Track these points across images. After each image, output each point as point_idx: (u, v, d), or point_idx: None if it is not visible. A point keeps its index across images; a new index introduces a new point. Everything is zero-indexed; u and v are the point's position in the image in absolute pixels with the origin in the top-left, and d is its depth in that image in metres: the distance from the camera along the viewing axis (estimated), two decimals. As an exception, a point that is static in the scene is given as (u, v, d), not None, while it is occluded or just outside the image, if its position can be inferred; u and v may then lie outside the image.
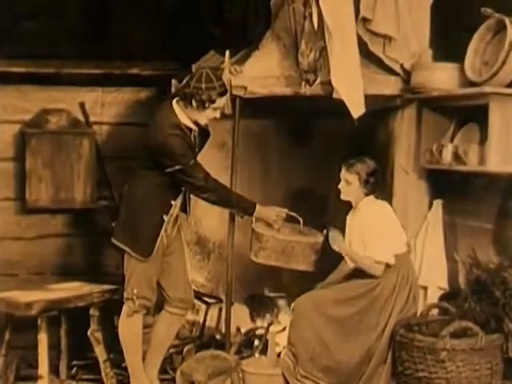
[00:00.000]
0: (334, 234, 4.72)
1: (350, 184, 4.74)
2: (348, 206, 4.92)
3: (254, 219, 4.75)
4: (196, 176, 4.52)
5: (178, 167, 4.48)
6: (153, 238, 4.61)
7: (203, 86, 4.44)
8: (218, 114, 4.56)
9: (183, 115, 4.54)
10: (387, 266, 4.63)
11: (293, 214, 4.80)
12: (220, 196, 4.62)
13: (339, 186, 4.79)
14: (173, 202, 4.65)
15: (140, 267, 4.63)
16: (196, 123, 4.59)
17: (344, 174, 4.76)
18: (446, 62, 4.94)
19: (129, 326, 4.71)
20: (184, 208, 4.78)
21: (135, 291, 4.64)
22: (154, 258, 4.63)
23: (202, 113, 4.51)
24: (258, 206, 4.69)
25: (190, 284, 4.90)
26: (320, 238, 4.77)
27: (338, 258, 4.87)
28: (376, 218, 4.68)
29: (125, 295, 4.69)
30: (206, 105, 4.46)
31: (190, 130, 4.58)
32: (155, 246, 4.61)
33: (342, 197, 4.80)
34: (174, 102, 4.57)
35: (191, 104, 4.48)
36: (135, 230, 4.62)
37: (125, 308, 4.70)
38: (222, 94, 4.50)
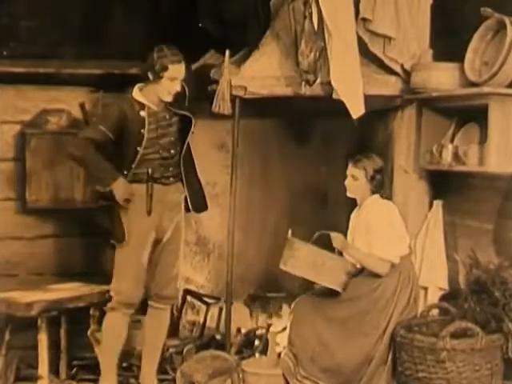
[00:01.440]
0: (335, 234, 4.66)
1: (356, 180, 4.71)
2: (349, 206, 4.92)
3: (290, 231, 4.60)
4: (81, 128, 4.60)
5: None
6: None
7: (155, 55, 4.55)
8: (177, 87, 4.59)
9: (137, 93, 4.63)
10: (391, 266, 4.62)
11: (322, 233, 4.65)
12: (82, 158, 4.61)
13: (345, 183, 4.77)
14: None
15: (120, 256, 4.62)
16: (164, 103, 4.64)
17: (351, 169, 4.74)
18: (446, 62, 4.94)
19: (106, 324, 4.68)
20: (187, 208, 4.78)
21: (112, 286, 4.63)
22: (134, 246, 4.58)
23: (160, 86, 4.58)
24: (118, 182, 4.55)
25: (175, 281, 4.83)
26: (350, 264, 4.61)
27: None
28: (382, 216, 4.67)
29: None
30: (161, 74, 4.54)
31: (144, 106, 4.62)
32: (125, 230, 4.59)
33: (349, 194, 4.79)
34: (136, 86, 4.67)
35: (149, 79, 4.58)
36: (112, 218, 4.65)
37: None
38: (175, 61, 4.55)
